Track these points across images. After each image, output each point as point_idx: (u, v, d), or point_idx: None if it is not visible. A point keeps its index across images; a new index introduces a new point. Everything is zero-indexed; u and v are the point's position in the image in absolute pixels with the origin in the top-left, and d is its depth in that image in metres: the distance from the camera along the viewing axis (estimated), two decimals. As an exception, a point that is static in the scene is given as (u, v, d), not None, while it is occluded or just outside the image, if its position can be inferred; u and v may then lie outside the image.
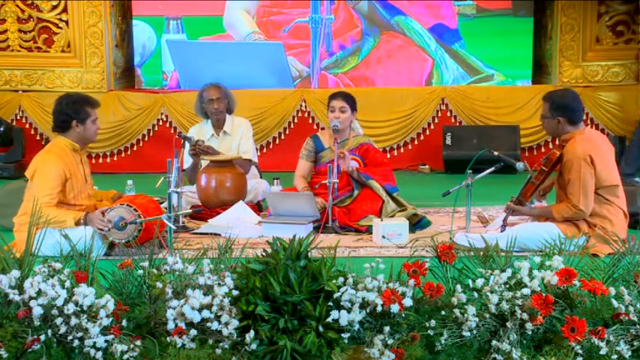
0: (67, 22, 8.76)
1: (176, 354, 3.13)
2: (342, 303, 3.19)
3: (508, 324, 3.21)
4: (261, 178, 6.55)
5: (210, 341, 3.16)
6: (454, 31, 8.94)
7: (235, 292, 3.22)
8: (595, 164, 4.81)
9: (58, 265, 3.35)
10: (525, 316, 3.19)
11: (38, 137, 8.76)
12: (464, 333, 3.20)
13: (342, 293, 3.20)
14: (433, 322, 3.22)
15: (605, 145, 5.02)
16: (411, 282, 3.32)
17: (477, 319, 3.20)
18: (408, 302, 3.23)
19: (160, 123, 8.80)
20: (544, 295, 3.23)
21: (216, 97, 6.34)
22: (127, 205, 4.84)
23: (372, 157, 5.93)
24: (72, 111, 4.95)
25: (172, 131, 8.60)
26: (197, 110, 6.50)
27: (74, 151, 5.01)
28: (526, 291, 3.24)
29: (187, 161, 6.20)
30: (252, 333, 3.11)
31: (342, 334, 3.17)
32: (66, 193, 4.88)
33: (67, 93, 5.22)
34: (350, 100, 5.91)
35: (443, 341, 3.20)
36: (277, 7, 9.02)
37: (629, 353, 3.19)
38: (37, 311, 3.14)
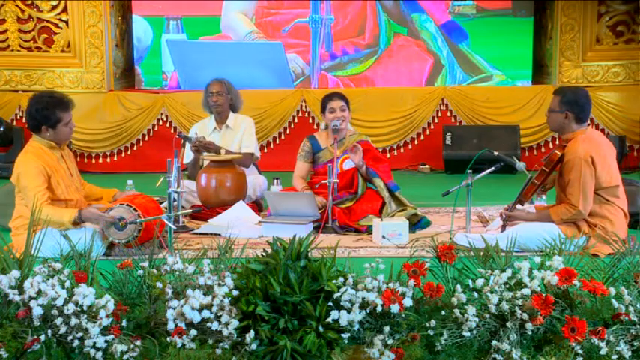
0: (67, 22, 8.76)
1: (176, 354, 3.13)
2: (342, 303, 3.19)
3: (508, 324, 3.20)
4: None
5: (210, 341, 3.16)
6: (462, 29, 8.95)
7: (235, 292, 3.22)
8: (596, 165, 4.81)
9: (58, 265, 3.35)
10: (525, 316, 3.19)
11: (38, 137, 8.75)
12: (464, 333, 3.20)
13: (342, 293, 3.20)
14: (433, 322, 3.22)
15: (606, 146, 5.02)
16: (411, 282, 3.32)
17: (477, 319, 3.20)
18: (408, 302, 3.23)
19: (160, 123, 8.80)
20: (544, 295, 3.23)
21: (217, 90, 6.42)
22: (127, 205, 4.84)
23: (371, 155, 5.94)
24: (42, 117, 4.83)
25: (172, 131, 8.61)
26: (203, 105, 6.57)
27: (52, 149, 4.94)
28: (526, 291, 3.23)
29: (188, 157, 6.25)
30: (252, 333, 3.11)
31: (342, 334, 3.17)
32: (53, 190, 4.85)
33: (40, 94, 5.01)
34: (346, 99, 5.94)
35: (443, 341, 3.20)
36: (275, 9, 9.02)
37: (629, 353, 3.19)
38: (37, 311, 3.14)
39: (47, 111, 4.84)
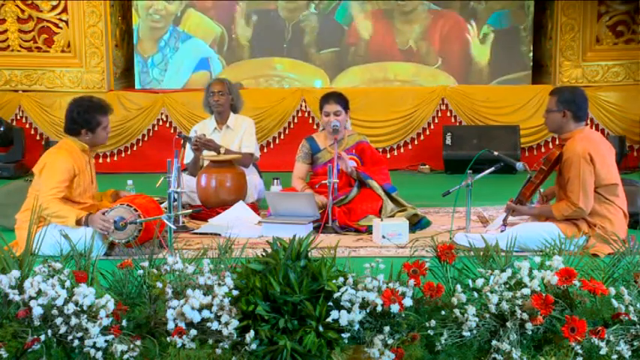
0: (67, 22, 8.76)
1: (176, 354, 3.13)
2: (342, 303, 3.19)
3: (508, 324, 3.21)
4: (260, 177, 6.57)
5: (210, 341, 3.16)
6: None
7: (235, 292, 3.22)
8: (594, 162, 4.82)
9: (58, 265, 3.36)
10: (525, 316, 3.19)
11: (38, 137, 8.76)
12: (464, 333, 3.20)
13: (342, 293, 3.20)
14: (433, 322, 3.22)
15: (604, 145, 5.02)
16: (411, 282, 3.32)
17: (476, 319, 3.20)
18: (408, 302, 3.23)
19: (160, 123, 8.79)
20: (544, 295, 3.23)
21: (218, 90, 6.44)
22: (127, 205, 4.84)
23: (370, 156, 5.94)
24: (82, 121, 4.97)
25: (172, 131, 8.60)
26: (204, 105, 6.58)
27: (83, 152, 5.04)
28: (526, 291, 3.24)
29: (188, 157, 6.26)
30: (252, 333, 3.11)
31: (342, 334, 3.17)
32: (72, 189, 4.90)
33: (80, 98, 5.17)
34: (343, 102, 5.92)
35: (443, 341, 3.20)
36: None
37: (629, 353, 3.19)
38: (37, 311, 3.14)
39: (88, 115, 4.98)
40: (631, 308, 3.26)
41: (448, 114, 8.76)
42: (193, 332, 3.16)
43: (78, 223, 4.75)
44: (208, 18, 9.02)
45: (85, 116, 4.97)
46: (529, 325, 3.18)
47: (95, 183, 5.20)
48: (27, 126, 8.73)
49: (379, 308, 3.19)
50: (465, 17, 8.93)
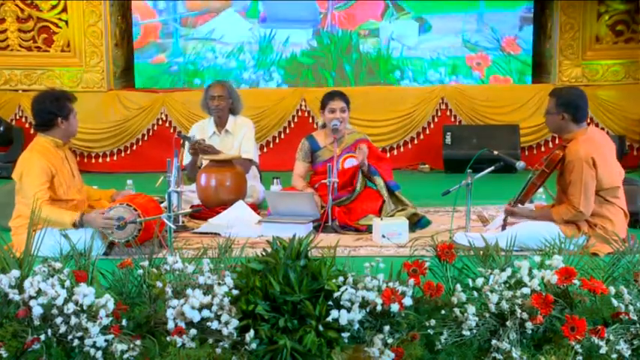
0: (66, 22, 8.76)
1: (176, 353, 3.13)
2: (341, 302, 3.19)
3: (508, 323, 3.21)
4: (261, 179, 6.57)
5: (210, 341, 3.16)
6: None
7: (235, 292, 3.22)
8: (597, 167, 4.81)
9: (57, 265, 3.35)
10: (525, 315, 3.19)
11: (38, 137, 8.75)
12: (464, 332, 3.20)
13: (342, 293, 3.20)
14: (433, 322, 3.22)
15: (607, 145, 5.02)
16: (411, 281, 3.32)
17: (476, 319, 3.20)
18: (407, 302, 3.23)
19: (160, 123, 8.79)
20: (544, 294, 3.23)
21: (218, 94, 6.41)
22: (127, 204, 4.84)
23: (371, 154, 5.94)
24: (57, 109, 4.94)
25: (172, 131, 8.59)
26: (202, 106, 6.57)
27: (57, 148, 5.00)
28: (526, 290, 3.24)
29: (187, 158, 6.25)
30: (252, 332, 3.11)
31: (342, 334, 3.17)
32: (55, 189, 4.88)
33: (43, 92, 5.14)
34: (346, 100, 5.94)
35: (443, 340, 3.20)
36: None
37: (629, 352, 3.19)
38: (37, 311, 3.13)
39: (60, 102, 4.96)
40: (631, 307, 3.26)
41: (448, 113, 8.75)
42: (193, 332, 3.16)
43: (74, 225, 4.73)
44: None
45: (59, 104, 4.95)
46: (529, 325, 3.18)
47: (78, 176, 5.15)
48: (27, 126, 8.71)
49: (379, 308, 3.19)
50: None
